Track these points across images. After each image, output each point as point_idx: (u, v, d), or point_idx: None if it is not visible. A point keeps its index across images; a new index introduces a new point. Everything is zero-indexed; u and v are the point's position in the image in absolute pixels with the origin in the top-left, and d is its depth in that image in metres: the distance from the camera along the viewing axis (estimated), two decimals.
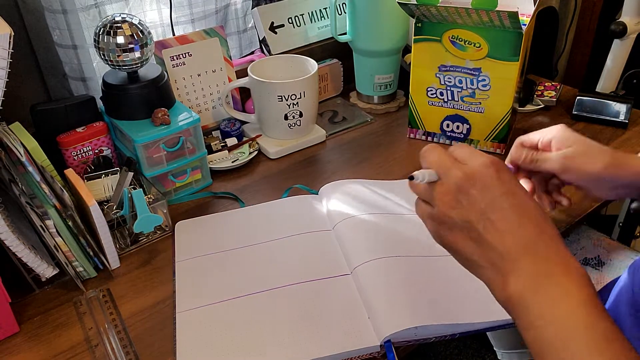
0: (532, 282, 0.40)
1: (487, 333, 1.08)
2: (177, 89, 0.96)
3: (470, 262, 0.45)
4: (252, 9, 1.07)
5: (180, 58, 0.95)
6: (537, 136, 0.63)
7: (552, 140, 0.62)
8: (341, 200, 0.79)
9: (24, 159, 0.66)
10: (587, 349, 0.37)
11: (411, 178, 0.46)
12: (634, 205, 0.83)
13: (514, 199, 0.42)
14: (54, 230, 0.66)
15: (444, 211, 0.45)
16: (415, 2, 0.86)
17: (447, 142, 0.98)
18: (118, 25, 0.78)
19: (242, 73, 1.01)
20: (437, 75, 0.93)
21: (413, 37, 0.91)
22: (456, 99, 0.94)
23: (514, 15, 0.80)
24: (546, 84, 1.12)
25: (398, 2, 0.89)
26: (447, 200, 0.44)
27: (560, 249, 0.42)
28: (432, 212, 0.46)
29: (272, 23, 1.08)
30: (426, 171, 0.46)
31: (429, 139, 1.00)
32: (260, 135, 0.99)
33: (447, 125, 0.97)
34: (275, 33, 1.09)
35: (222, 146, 0.95)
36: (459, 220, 0.44)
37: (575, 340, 0.38)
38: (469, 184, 0.43)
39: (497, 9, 0.80)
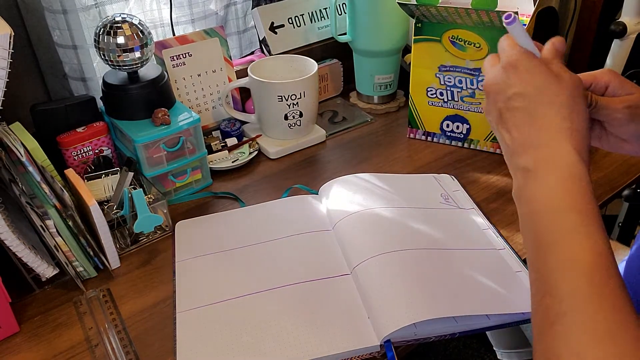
0: (536, 159, 0.45)
1: (486, 333, 1.08)
2: (177, 89, 0.96)
3: (503, 126, 0.50)
4: (252, 9, 1.08)
5: (180, 58, 0.95)
6: (587, 78, 0.56)
7: (610, 85, 0.55)
8: (340, 198, 0.79)
9: (24, 159, 0.66)
10: (572, 230, 0.41)
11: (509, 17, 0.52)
12: (626, 192, 0.83)
13: (575, 105, 0.46)
14: (54, 230, 0.66)
15: (506, 66, 0.51)
16: (415, 3, 0.86)
17: (447, 142, 0.98)
18: (118, 25, 0.78)
19: (242, 73, 1.01)
20: (437, 75, 0.93)
21: (413, 37, 0.91)
22: (456, 99, 0.94)
23: (514, 14, 0.80)
24: None
25: (398, 3, 0.89)
26: (512, 60, 0.51)
27: (577, 157, 0.44)
28: (498, 61, 0.53)
29: (272, 23, 1.08)
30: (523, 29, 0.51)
31: (429, 139, 1.00)
32: (260, 135, 0.99)
33: (447, 125, 0.97)
34: (275, 33, 1.09)
35: (222, 146, 0.95)
36: (521, 89, 0.48)
37: (563, 221, 0.42)
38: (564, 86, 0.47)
39: (497, 9, 0.80)
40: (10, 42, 0.59)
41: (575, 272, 0.39)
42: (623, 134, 0.56)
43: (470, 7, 0.81)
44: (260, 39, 1.10)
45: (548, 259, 0.41)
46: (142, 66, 0.82)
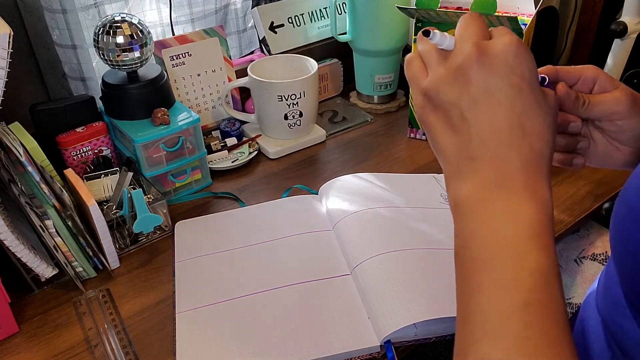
0: (488, 189, 0.35)
1: None
2: (177, 88, 0.96)
3: (439, 152, 0.40)
4: (252, 8, 1.07)
5: (179, 58, 0.95)
6: (574, 73, 0.49)
7: (597, 81, 0.48)
8: (340, 198, 0.79)
9: (23, 158, 0.66)
10: (496, 283, 0.33)
11: (426, 33, 0.39)
12: (606, 205, 0.82)
13: (520, 96, 0.35)
14: (54, 230, 0.66)
15: (435, 83, 0.38)
16: (415, 7, 0.86)
17: None
18: (118, 25, 0.77)
19: (242, 73, 1.01)
20: None
21: (413, 37, 0.91)
22: None
23: (514, 20, 0.80)
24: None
25: (397, 7, 0.89)
26: (443, 73, 0.38)
27: (538, 175, 0.35)
28: (424, 81, 0.40)
29: (272, 23, 1.08)
30: (447, 35, 0.39)
31: None
32: (260, 135, 0.99)
33: None
34: (275, 33, 1.09)
35: (222, 146, 0.95)
36: (446, 100, 0.37)
37: (490, 270, 0.34)
38: (475, 63, 0.36)
39: (497, 11, 0.80)
40: (9, 41, 0.59)
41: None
42: (622, 133, 0.49)
43: (470, 11, 0.81)
44: (260, 39, 1.10)
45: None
46: (141, 66, 0.81)
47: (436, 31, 0.39)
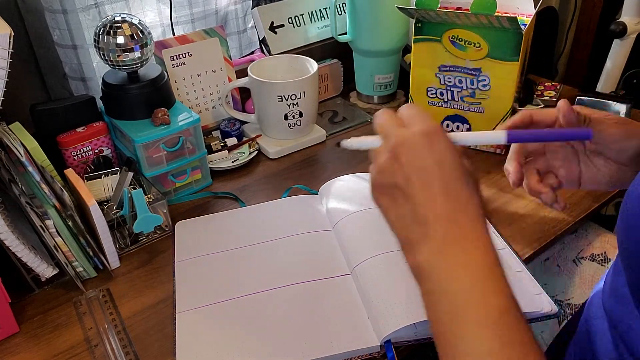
0: (441, 247, 0.41)
1: None
2: (177, 89, 0.96)
3: (395, 228, 0.46)
4: (252, 9, 1.07)
5: (180, 58, 0.95)
6: (550, 114, 0.54)
7: (582, 113, 0.53)
8: (340, 198, 0.79)
9: (23, 158, 0.66)
10: (476, 324, 0.37)
11: (339, 144, 0.50)
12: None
13: (441, 170, 0.42)
14: (54, 230, 0.66)
15: (378, 174, 0.46)
16: (414, 7, 0.86)
17: None
18: (118, 25, 0.78)
19: (242, 73, 1.01)
20: (437, 75, 0.93)
21: (413, 37, 0.91)
22: (456, 99, 0.94)
23: (513, 20, 0.80)
24: (546, 84, 1.12)
25: (397, 7, 0.89)
26: (381, 164, 0.45)
27: (476, 223, 0.41)
28: (372, 175, 0.47)
29: (272, 23, 1.08)
30: (364, 139, 0.49)
31: None
32: (260, 135, 0.99)
33: (447, 125, 0.97)
34: (275, 33, 1.09)
35: (222, 146, 0.95)
36: (388, 184, 0.45)
37: (465, 316, 0.38)
38: (402, 150, 0.43)
39: (497, 11, 0.80)
40: (10, 42, 0.59)
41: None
42: (624, 152, 0.53)
43: (470, 12, 0.81)
44: (260, 39, 1.10)
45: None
46: (141, 66, 0.82)
47: (349, 141, 0.51)
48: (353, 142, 0.51)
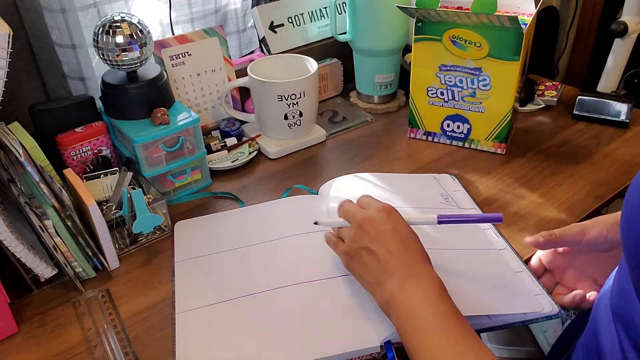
0: (401, 282, 0.55)
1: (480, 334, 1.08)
2: (177, 88, 0.96)
3: (365, 281, 0.60)
4: (251, 8, 1.07)
5: (179, 57, 0.95)
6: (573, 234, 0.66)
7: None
8: (340, 198, 0.79)
9: (22, 158, 0.66)
10: (435, 336, 0.51)
11: (316, 223, 0.68)
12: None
13: (396, 232, 0.59)
14: (53, 230, 0.66)
15: (350, 244, 0.61)
16: (415, 6, 0.86)
17: (448, 142, 0.98)
18: (117, 24, 0.77)
19: (241, 73, 1.01)
20: (438, 74, 0.92)
21: (413, 37, 0.91)
22: (457, 98, 0.93)
23: (514, 20, 0.80)
24: (547, 84, 1.12)
25: (397, 6, 0.89)
26: (351, 236, 0.61)
27: (424, 264, 0.57)
28: (344, 246, 0.62)
29: (272, 22, 1.08)
30: (335, 220, 0.65)
31: (429, 138, 0.99)
32: (260, 135, 0.99)
33: (448, 125, 0.97)
34: (275, 32, 1.09)
35: (221, 146, 0.95)
36: (358, 248, 0.59)
37: (425, 330, 0.52)
38: (366, 223, 0.60)
39: (497, 11, 0.80)
40: (8, 41, 0.59)
41: None
42: (605, 243, 0.63)
43: (470, 11, 0.81)
44: (260, 39, 1.10)
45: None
46: (141, 66, 0.81)
47: (324, 221, 0.68)
48: (328, 222, 0.67)
